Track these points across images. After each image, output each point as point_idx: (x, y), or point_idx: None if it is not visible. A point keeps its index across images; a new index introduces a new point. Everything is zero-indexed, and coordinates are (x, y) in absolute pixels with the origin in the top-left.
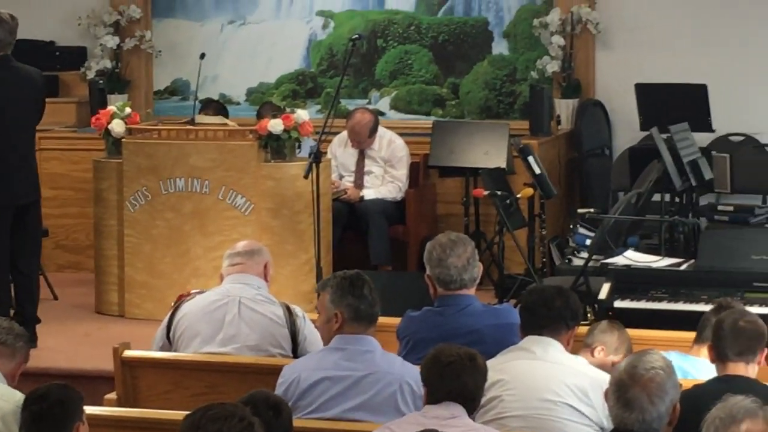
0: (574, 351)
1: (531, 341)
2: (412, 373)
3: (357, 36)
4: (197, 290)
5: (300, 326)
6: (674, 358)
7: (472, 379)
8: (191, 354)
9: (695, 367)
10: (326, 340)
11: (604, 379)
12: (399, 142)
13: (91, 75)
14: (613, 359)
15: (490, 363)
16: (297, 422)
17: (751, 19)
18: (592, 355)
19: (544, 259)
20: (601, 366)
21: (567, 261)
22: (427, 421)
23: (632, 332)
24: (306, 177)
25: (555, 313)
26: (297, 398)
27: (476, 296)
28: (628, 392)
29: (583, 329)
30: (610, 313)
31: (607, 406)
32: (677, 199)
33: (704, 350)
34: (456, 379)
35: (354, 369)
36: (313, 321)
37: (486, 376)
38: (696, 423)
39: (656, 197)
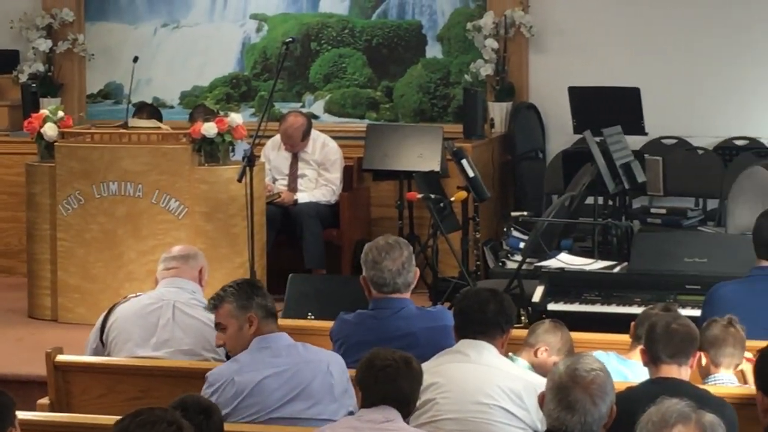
0: (512, 352)
1: (465, 344)
2: (335, 357)
3: (290, 39)
4: (133, 294)
5: None
6: (613, 360)
7: (407, 383)
8: (124, 358)
9: (632, 369)
10: (243, 348)
11: (538, 382)
12: (332, 145)
13: (23, 78)
14: (555, 360)
15: (424, 366)
16: (231, 426)
17: (683, 22)
18: (536, 355)
19: (478, 262)
20: (544, 366)
21: (501, 264)
22: (362, 425)
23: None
24: (239, 180)
25: (489, 316)
26: (240, 401)
27: (411, 299)
28: (570, 394)
29: (518, 332)
30: (544, 316)
31: (540, 410)
32: (610, 202)
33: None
34: (391, 383)
35: (286, 363)
36: None
37: (421, 379)
38: (629, 425)
39: (589, 200)
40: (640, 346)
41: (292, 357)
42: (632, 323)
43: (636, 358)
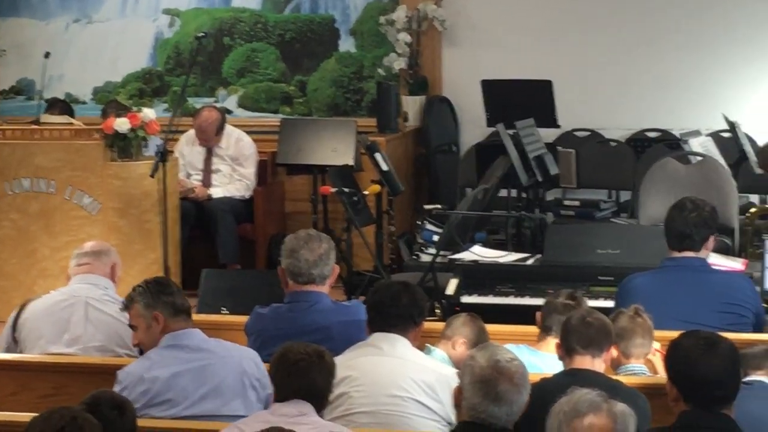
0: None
1: (378, 338)
2: (249, 353)
3: (203, 34)
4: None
5: None
6: (525, 352)
7: (321, 377)
8: (37, 355)
9: (544, 361)
10: (154, 346)
11: (452, 374)
12: (247, 140)
13: None
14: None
15: (338, 360)
16: (144, 422)
17: (594, 15)
18: (453, 348)
19: (393, 256)
20: (462, 358)
21: (415, 257)
22: (275, 419)
23: None
24: (152, 176)
25: (402, 309)
26: (150, 399)
27: (327, 294)
28: (498, 386)
29: (432, 325)
30: (457, 309)
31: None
32: (524, 195)
33: (550, 343)
34: (304, 377)
35: (197, 359)
36: None
37: (334, 373)
38: (542, 416)
39: (503, 193)
40: (556, 341)
41: (203, 353)
42: (537, 314)
43: (546, 350)
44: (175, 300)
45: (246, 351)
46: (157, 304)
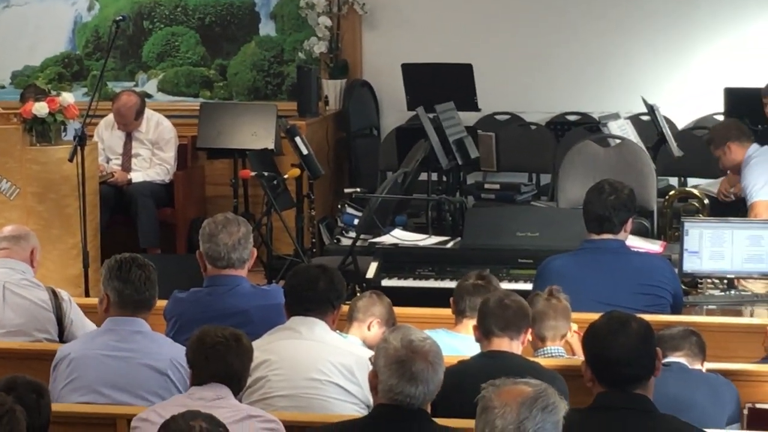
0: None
1: (296, 321)
2: (182, 354)
3: (121, 17)
4: None
5: (66, 310)
6: (443, 335)
7: (238, 360)
8: None
9: (464, 343)
10: (100, 322)
11: (369, 356)
12: (166, 124)
13: None
14: (385, 330)
15: (256, 343)
16: (59, 406)
17: (512, 1)
18: (369, 329)
19: (314, 239)
20: (378, 339)
21: (336, 241)
22: (193, 403)
23: (399, 310)
24: (71, 160)
25: (319, 293)
26: (67, 375)
27: (246, 278)
28: (413, 366)
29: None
30: None
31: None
32: (444, 178)
33: (467, 324)
34: (221, 361)
35: (124, 350)
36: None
37: (252, 356)
38: (460, 398)
39: (423, 176)
40: (473, 322)
41: (132, 344)
42: (451, 299)
43: (465, 332)
44: (125, 289)
45: (178, 351)
46: (108, 286)
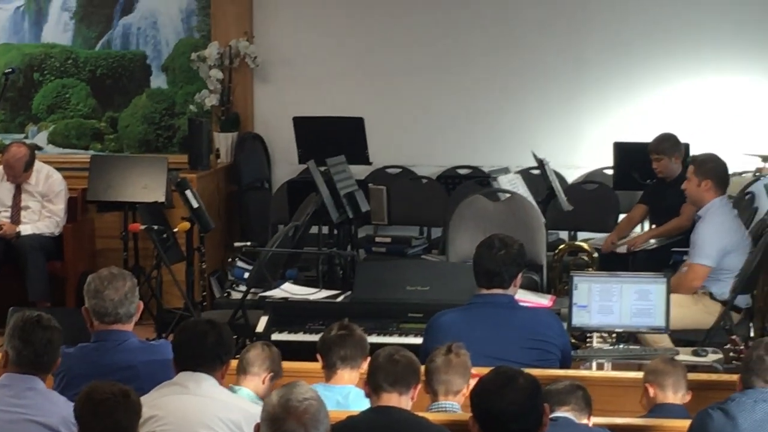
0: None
1: (185, 376)
2: (68, 415)
3: (10, 70)
4: None
5: None
6: (320, 390)
7: (126, 416)
8: None
9: (342, 394)
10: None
11: (258, 412)
12: (56, 176)
13: None
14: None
15: (144, 399)
16: None
17: (406, 54)
18: (264, 383)
19: (205, 293)
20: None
21: (226, 294)
22: None
23: (289, 365)
24: None
25: (208, 349)
26: None
27: (134, 332)
28: (284, 425)
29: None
30: None
31: None
32: (335, 231)
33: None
34: (109, 417)
35: (16, 405)
36: None
37: (140, 412)
38: None
39: (314, 230)
40: (346, 373)
41: (26, 401)
42: (318, 354)
43: (341, 383)
44: (24, 350)
45: (67, 412)
46: (9, 344)
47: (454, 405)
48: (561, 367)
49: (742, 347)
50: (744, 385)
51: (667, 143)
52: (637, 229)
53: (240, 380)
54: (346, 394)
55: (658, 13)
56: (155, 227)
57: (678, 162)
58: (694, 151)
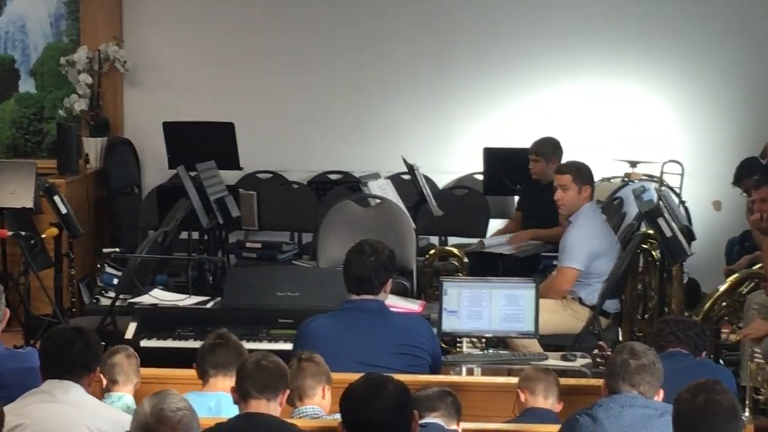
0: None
1: (51, 385)
2: None
3: None
4: None
5: None
6: (192, 397)
7: None
8: None
9: (214, 400)
10: None
11: (128, 421)
12: None
13: None
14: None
15: (8, 407)
16: None
17: (276, 59)
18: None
19: (74, 299)
20: None
21: (95, 301)
22: None
23: (158, 371)
24: None
25: (75, 356)
26: None
27: (0, 340)
28: None
29: None
30: None
31: None
32: (206, 237)
33: (213, 384)
34: None
35: None
36: None
37: (2, 422)
38: None
39: (184, 235)
40: (219, 381)
41: None
42: (194, 363)
43: (214, 390)
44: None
45: None
46: None
47: (315, 408)
48: (431, 373)
49: (609, 352)
50: (610, 390)
51: (549, 147)
52: None
53: (112, 387)
54: (218, 400)
55: (529, 20)
56: (23, 233)
57: (554, 167)
58: (565, 157)
